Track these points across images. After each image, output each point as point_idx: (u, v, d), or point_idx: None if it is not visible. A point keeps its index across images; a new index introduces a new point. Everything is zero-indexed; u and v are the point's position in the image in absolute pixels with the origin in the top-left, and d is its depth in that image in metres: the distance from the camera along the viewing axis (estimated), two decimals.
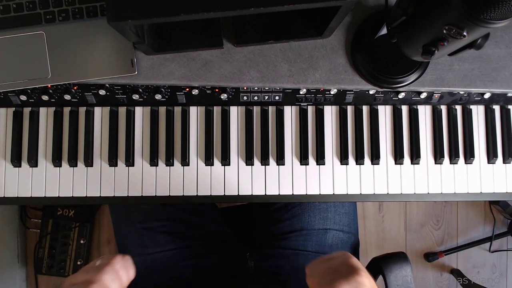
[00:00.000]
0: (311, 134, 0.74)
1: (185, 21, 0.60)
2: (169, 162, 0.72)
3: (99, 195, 0.72)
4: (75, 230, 1.47)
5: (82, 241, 1.47)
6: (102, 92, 0.69)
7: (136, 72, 0.67)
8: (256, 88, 0.71)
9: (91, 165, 0.72)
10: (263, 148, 0.73)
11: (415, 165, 0.74)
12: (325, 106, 0.74)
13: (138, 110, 0.73)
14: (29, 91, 0.70)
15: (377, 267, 0.79)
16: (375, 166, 0.74)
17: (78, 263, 1.47)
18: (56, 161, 0.71)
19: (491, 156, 0.75)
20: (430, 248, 1.66)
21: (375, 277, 0.85)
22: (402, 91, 0.72)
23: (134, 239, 0.82)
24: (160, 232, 0.81)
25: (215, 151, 0.73)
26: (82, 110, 0.73)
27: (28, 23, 0.66)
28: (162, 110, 0.73)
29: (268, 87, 0.71)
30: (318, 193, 0.73)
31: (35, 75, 0.67)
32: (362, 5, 0.70)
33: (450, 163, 0.75)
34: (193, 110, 0.73)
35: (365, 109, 0.74)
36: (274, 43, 0.69)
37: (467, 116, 0.75)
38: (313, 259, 0.65)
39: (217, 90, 0.72)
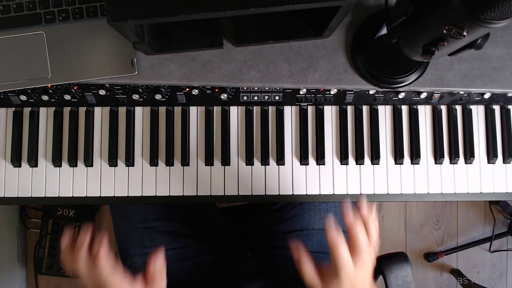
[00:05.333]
0: (311, 134, 0.74)
1: (185, 21, 0.60)
2: (169, 162, 0.72)
3: (99, 195, 0.72)
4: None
5: None
6: (102, 92, 0.69)
7: (136, 72, 0.67)
8: (256, 88, 0.71)
9: (91, 165, 0.72)
10: (263, 148, 0.73)
11: (415, 165, 0.74)
12: (325, 106, 0.74)
13: (138, 110, 0.73)
14: (29, 91, 0.70)
15: (378, 267, 0.79)
16: (375, 166, 0.74)
17: None
18: (56, 161, 0.71)
19: (491, 156, 0.75)
20: (430, 248, 1.66)
21: (375, 277, 0.85)
22: (402, 91, 0.72)
23: (134, 239, 0.82)
24: (160, 232, 0.81)
25: (215, 151, 0.73)
26: (82, 110, 0.73)
27: (28, 23, 0.66)
28: (162, 110, 0.73)
29: (268, 87, 0.71)
30: (318, 193, 0.73)
31: (35, 75, 0.67)
32: (362, 5, 0.70)
33: (450, 163, 0.75)
34: (193, 110, 0.73)
35: (365, 109, 0.74)
36: (274, 43, 0.69)
37: (467, 116, 0.75)
38: (314, 259, 0.65)
39: (217, 90, 0.72)
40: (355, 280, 0.57)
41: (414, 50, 0.54)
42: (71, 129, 0.72)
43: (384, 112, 0.75)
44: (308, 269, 0.60)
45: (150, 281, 0.60)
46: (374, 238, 0.59)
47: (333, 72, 0.69)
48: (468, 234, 1.66)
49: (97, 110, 0.73)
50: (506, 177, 0.75)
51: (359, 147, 0.73)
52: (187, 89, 0.71)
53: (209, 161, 0.72)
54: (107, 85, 0.70)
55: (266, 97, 0.73)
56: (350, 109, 0.74)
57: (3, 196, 0.72)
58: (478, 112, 0.76)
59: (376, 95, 0.73)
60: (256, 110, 0.74)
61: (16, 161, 0.71)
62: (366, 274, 0.59)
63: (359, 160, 0.73)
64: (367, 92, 0.73)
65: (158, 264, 0.60)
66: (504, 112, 0.76)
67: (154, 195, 0.72)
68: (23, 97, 0.70)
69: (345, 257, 0.55)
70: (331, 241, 0.56)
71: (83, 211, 1.48)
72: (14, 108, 0.72)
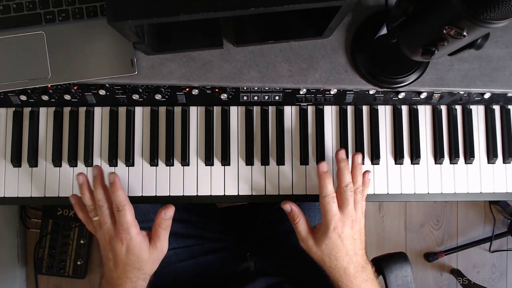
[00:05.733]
0: (311, 134, 0.74)
1: (185, 21, 0.60)
2: (169, 162, 0.72)
3: None
4: (75, 230, 1.47)
5: (82, 241, 1.47)
6: (102, 92, 0.69)
7: (136, 72, 0.67)
8: (256, 88, 0.71)
9: (91, 165, 0.72)
10: (263, 148, 0.73)
11: (415, 165, 0.74)
12: (325, 106, 0.74)
13: (138, 110, 0.73)
14: (29, 91, 0.70)
15: (378, 267, 0.79)
16: (375, 166, 0.74)
17: (78, 263, 1.47)
18: (56, 161, 0.71)
19: (491, 156, 0.75)
20: (430, 248, 1.66)
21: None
22: (402, 91, 0.72)
23: None
24: None
25: (215, 151, 0.73)
26: (82, 110, 0.73)
27: (28, 23, 0.66)
28: (162, 110, 0.73)
29: (268, 87, 0.71)
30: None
31: (35, 75, 0.67)
32: (362, 5, 0.70)
33: (450, 163, 0.75)
34: (193, 110, 0.73)
35: (365, 109, 0.74)
36: (274, 43, 0.69)
37: (467, 116, 0.75)
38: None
39: (217, 90, 0.72)
40: (342, 233, 0.61)
41: (414, 50, 0.54)
42: (71, 129, 0.72)
43: (384, 112, 0.75)
44: (302, 226, 0.64)
45: (155, 237, 0.63)
46: (358, 184, 0.65)
47: (333, 72, 0.69)
48: (468, 234, 1.66)
49: (97, 110, 0.73)
50: (506, 177, 0.75)
51: (359, 147, 0.73)
52: (187, 89, 0.71)
53: (209, 161, 0.72)
54: (107, 85, 0.70)
55: (266, 97, 0.73)
56: (350, 109, 0.74)
57: (3, 196, 0.72)
58: (478, 112, 0.76)
59: (376, 95, 0.73)
60: (256, 110, 0.74)
61: (16, 161, 0.71)
62: (355, 231, 0.62)
63: None
64: (367, 92, 0.73)
65: (168, 214, 0.63)
66: (504, 112, 0.76)
67: (154, 195, 0.72)
68: (23, 97, 0.70)
69: (334, 211, 0.61)
70: (319, 174, 0.63)
71: None
72: (14, 108, 0.72)
